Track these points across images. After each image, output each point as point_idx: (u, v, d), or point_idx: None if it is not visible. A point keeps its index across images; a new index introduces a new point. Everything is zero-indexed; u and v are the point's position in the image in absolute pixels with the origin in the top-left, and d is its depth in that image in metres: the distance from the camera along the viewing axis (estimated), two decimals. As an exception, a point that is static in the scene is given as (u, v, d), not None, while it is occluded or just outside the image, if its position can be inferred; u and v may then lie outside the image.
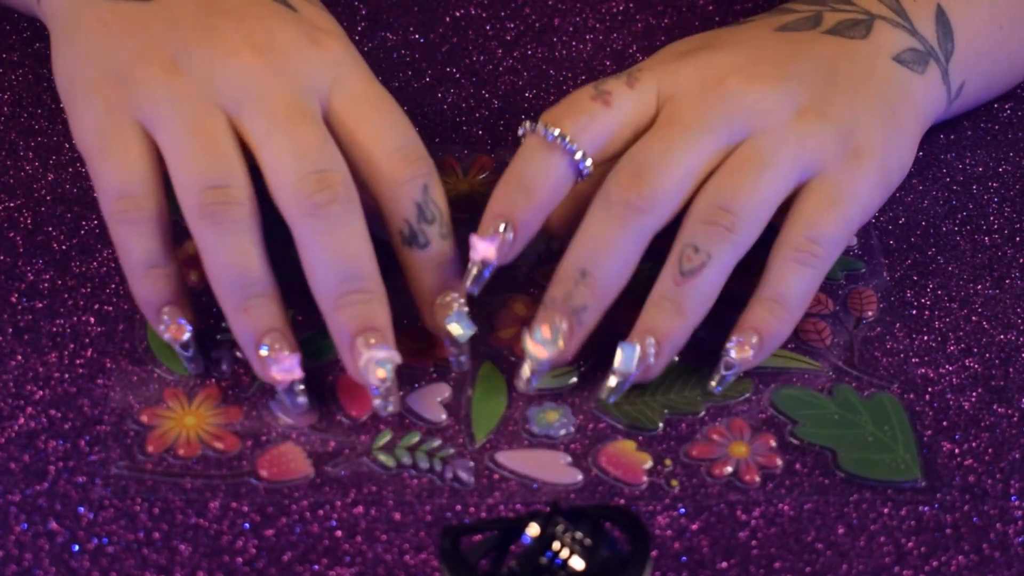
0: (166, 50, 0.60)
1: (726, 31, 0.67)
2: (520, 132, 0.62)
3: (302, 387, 0.60)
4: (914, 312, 0.66)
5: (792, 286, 0.60)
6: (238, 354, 0.63)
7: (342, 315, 0.58)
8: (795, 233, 0.61)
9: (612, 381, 0.60)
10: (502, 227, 0.60)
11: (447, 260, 0.61)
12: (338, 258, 0.58)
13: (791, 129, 0.61)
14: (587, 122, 0.61)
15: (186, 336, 0.60)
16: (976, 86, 0.71)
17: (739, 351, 0.60)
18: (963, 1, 0.69)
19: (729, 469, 0.60)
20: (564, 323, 0.59)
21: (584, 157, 0.60)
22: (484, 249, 0.60)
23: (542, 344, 0.59)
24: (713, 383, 0.62)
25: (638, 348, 0.59)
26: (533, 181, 0.60)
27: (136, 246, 0.59)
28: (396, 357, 0.58)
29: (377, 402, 0.60)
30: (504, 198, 0.61)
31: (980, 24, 0.69)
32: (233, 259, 0.58)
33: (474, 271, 0.61)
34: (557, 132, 0.60)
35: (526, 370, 0.60)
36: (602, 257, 0.59)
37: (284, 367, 0.59)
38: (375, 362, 0.58)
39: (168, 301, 0.60)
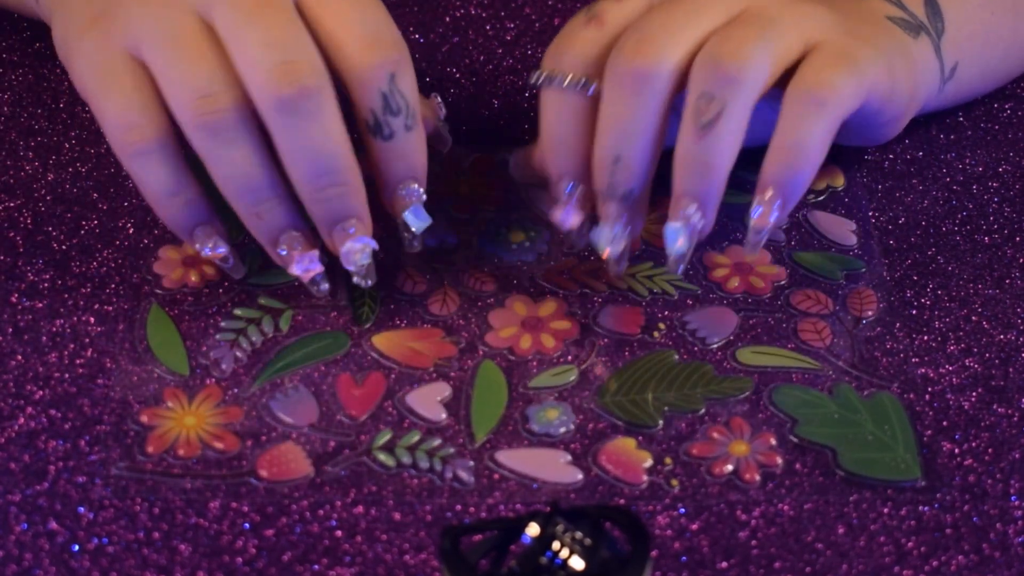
0: None
1: None
2: (531, 82, 0.62)
3: (323, 278, 0.63)
4: (914, 312, 0.66)
5: (807, 132, 0.59)
6: (238, 354, 0.63)
7: (319, 208, 0.59)
8: (806, 76, 0.59)
9: (672, 260, 0.61)
10: (569, 187, 0.62)
11: (411, 151, 0.61)
12: (311, 153, 0.58)
13: (791, 4, 0.61)
14: (585, 49, 0.61)
15: (222, 251, 0.62)
16: (971, 71, 0.71)
17: (762, 215, 0.60)
18: None
19: (729, 468, 0.60)
20: (617, 211, 0.61)
21: (586, 80, 0.61)
22: (566, 219, 0.62)
23: (605, 237, 0.61)
24: (747, 247, 0.61)
25: (680, 226, 0.60)
26: (567, 134, 0.61)
27: (150, 177, 0.60)
28: (372, 244, 0.61)
29: (356, 279, 0.62)
30: (555, 160, 0.62)
31: (971, 9, 0.70)
32: (235, 169, 0.59)
33: (571, 236, 0.64)
34: (567, 78, 0.61)
35: (611, 264, 0.62)
36: (628, 138, 0.59)
37: (303, 265, 0.62)
38: (356, 251, 0.60)
39: (196, 223, 0.61)
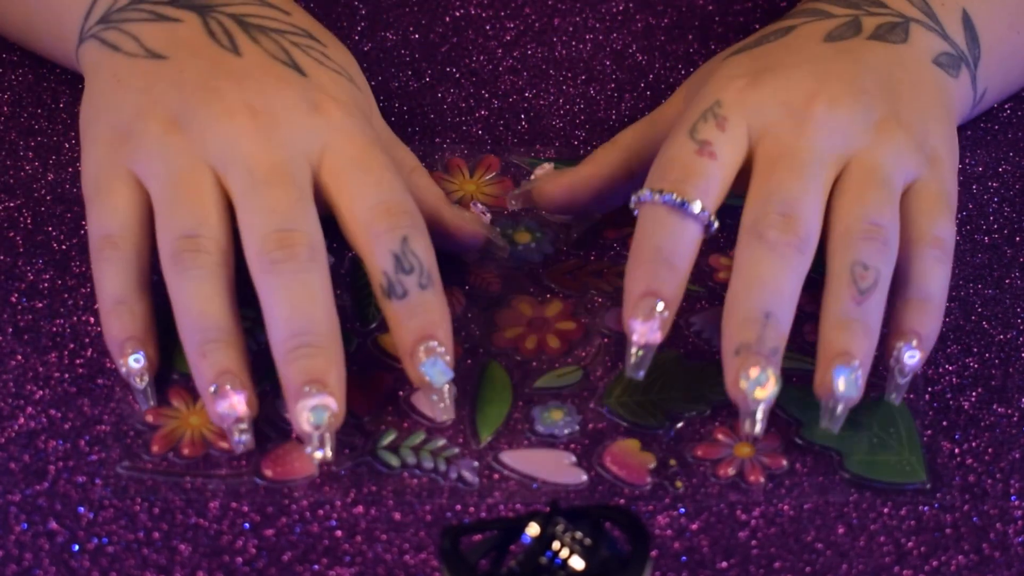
0: (168, 108, 0.62)
1: (777, 46, 0.67)
2: (633, 202, 0.61)
3: (244, 426, 0.59)
4: (914, 312, 0.66)
5: (938, 283, 0.61)
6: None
7: (290, 369, 0.58)
8: (924, 231, 0.62)
9: (837, 410, 0.59)
10: (660, 307, 0.59)
11: (426, 309, 0.59)
12: (290, 313, 0.58)
13: (883, 141, 0.62)
14: (704, 183, 0.61)
15: (139, 369, 0.60)
16: (994, 92, 0.71)
17: (911, 357, 0.60)
18: (985, 6, 0.69)
19: (733, 470, 0.60)
20: (768, 366, 0.58)
21: (712, 218, 0.61)
22: (646, 333, 0.59)
23: (754, 387, 0.58)
24: (893, 397, 0.62)
25: (850, 377, 0.59)
26: (673, 252, 0.60)
27: (108, 283, 0.61)
28: (332, 405, 0.58)
29: (307, 448, 0.58)
30: (649, 275, 0.60)
31: (1002, 29, 0.70)
32: (194, 304, 0.59)
33: (638, 354, 0.60)
34: (679, 199, 0.60)
35: (749, 423, 0.59)
36: (780, 298, 0.59)
37: (227, 403, 0.58)
38: (308, 409, 0.58)
39: (130, 336, 0.61)
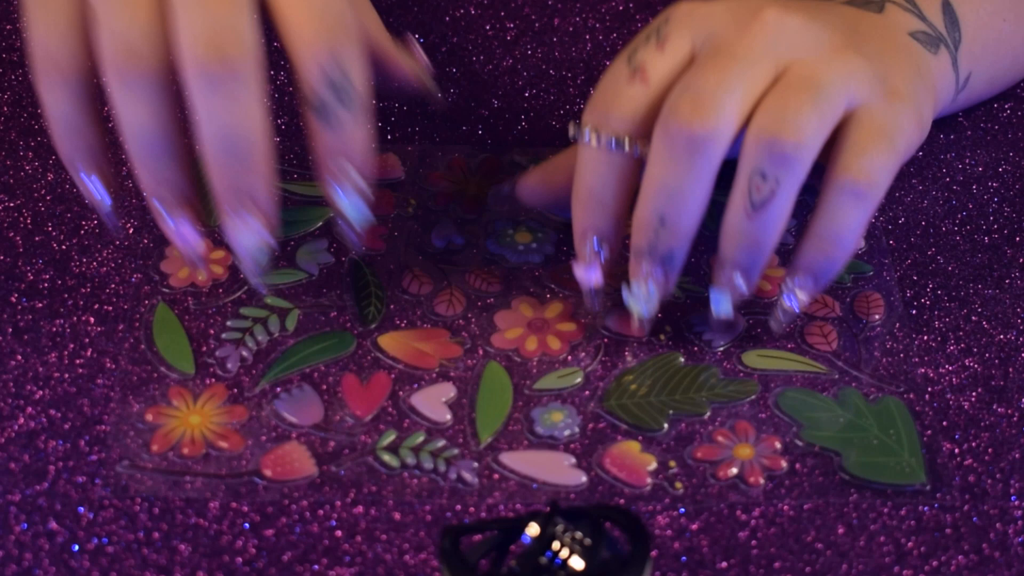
0: None
1: None
2: (571, 135, 0.61)
3: (198, 246, 0.61)
4: (914, 312, 0.66)
5: (847, 223, 0.59)
6: (243, 354, 0.63)
7: (221, 185, 0.57)
8: (849, 164, 0.59)
9: (715, 321, 0.62)
10: (595, 244, 0.61)
11: (351, 135, 0.58)
12: (224, 130, 0.57)
13: (834, 58, 0.60)
14: (632, 108, 0.60)
15: (95, 192, 0.60)
16: (981, 80, 0.71)
17: (799, 295, 0.61)
18: None
19: (734, 471, 0.60)
20: (658, 271, 0.60)
21: (639, 147, 0.60)
22: (589, 277, 0.62)
23: (641, 297, 0.61)
24: (773, 326, 0.63)
25: (725, 291, 0.60)
26: (604, 191, 0.60)
27: (55, 106, 0.59)
28: (268, 238, 0.59)
29: (246, 275, 0.60)
30: (583, 215, 0.61)
31: (985, 16, 0.69)
32: (137, 122, 0.58)
33: (590, 296, 0.63)
34: (608, 137, 0.60)
35: (635, 321, 0.62)
36: (676, 200, 0.58)
37: (175, 226, 0.60)
38: (243, 238, 0.58)
39: (82, 159, 0.60)
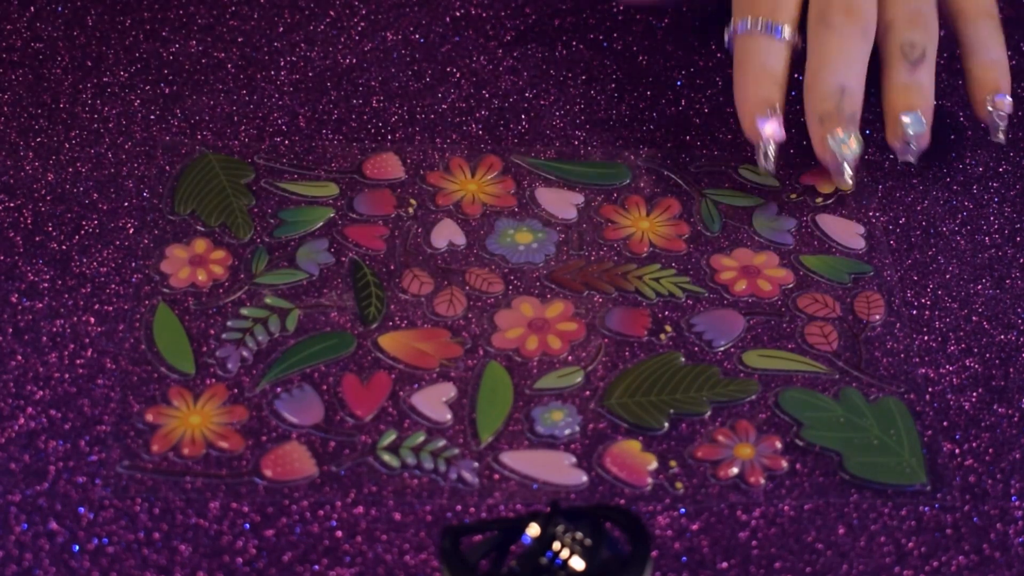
0: None
1: None
2: (727, 35, 0.71)
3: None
4: (914, 312, 0.66)
5: (1000, 48, 0.73)
6: (244, 354, 0.63)
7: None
8: (976, 2, 0.73)
9: (909, 151, 0.70)
10: (772, 109, 0.69)
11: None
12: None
13: None
14: (784, 6, 0.71)
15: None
16: None
17: (1003, 98, 0.71)
18: None
19: (734, 471, 0.60)
20: (849, 127, 0.69)
21: (792, 34, 0.70)
22: (772, 129, 0.69)
23: (840, 145, 0.69)
24: (1000, 136, 0.71)
25: (915, 114, 0.70)
26: (774, 69, 0.70)
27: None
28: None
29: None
30: (758, 87, 0.70)
31: None
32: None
33: (768, 149, 0.69)
34: (769, 23, 0.70)
35: (846, 179, 0.70)
36: (852, 73, 0.69)
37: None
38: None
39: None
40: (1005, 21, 0.79)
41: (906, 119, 0.69)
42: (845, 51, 0.69)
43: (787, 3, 0.71)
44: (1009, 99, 0.71)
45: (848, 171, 0.68)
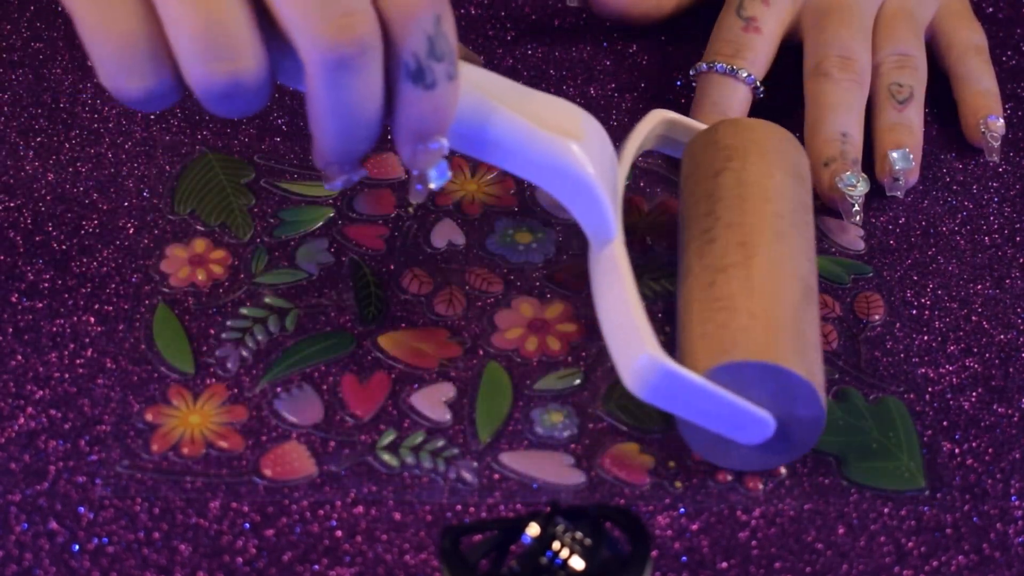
0: None
1: None
2: (692, 72, 0.73)
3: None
4: (914, 312, 0.66)
5: (989, 78, 0.75)
6: (243, 353, 0.63)
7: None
8: (964, 40, 0.76)
9: (895, 187, 0.71)
10: None
11: (448, 103, 0.56)
12: (350, 117, 0.56)
13: None
14: (751, 55, 0.73)
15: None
16: None
17: (996, 120, 0.73)
18: None
19: (731, 475, 0.60)
20: (855, 171, 0.70)
21: (759, 84, 0.73)
22: None
23: (847, 186, 0.69)
24: (994, 158, 0.73)
25: (903, 151, 0.71)
26: (728, 107, 0.72)
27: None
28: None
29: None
30: (706, 123, 0.69)
31: None
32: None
33: None
34: (729, 67, 0.72)
35: (857, 219, 0.70)
36: (852, 118, 0.71)
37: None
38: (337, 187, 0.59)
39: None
40: (1005, 21, 0.79)
41: (894, 155, 0.70)
42: (844, 100, 0.71)
43: (752, 53, 0.73)
44: (1001, 121, 0.73)
45: (858, 210, 0.69)
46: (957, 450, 0.61)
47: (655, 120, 0.67)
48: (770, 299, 0.58)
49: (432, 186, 0.58)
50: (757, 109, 0.72)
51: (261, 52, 0.54)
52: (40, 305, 0.65)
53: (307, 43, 0.54)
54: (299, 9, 0.53)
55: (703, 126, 0.68)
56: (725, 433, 0.58)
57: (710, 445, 0.59)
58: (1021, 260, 0.69)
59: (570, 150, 0.58)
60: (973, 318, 0.66)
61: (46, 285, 0.65)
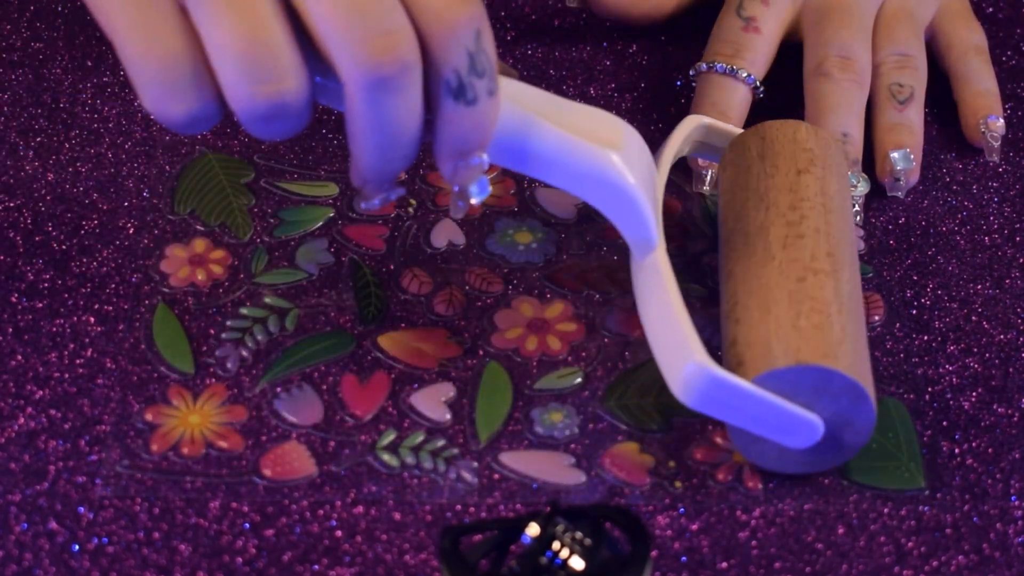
0: None
1: None
2: (692, 73, 0.73)
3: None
4: (914, 312, 0.66)
5: (989, 78, 0.75)
6: (243, 353, 0.63)
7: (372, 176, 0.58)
8: (964, 40, 0.75)
9: (895, 187, 0.71)
10: None
11: (489, 120, 0.56)
12: (390, 136, 0.55)
13: None
14: (751, 55, 0.73)
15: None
16: None
17: (996, 120, 0.73)
18: None
19: (731, 475, 0.60)
20: (856, 172, 0.70)
21: (759, 84, 0.72)
22: (706, 161, 0.70)
23: (854, 187, 0.69)
24: (994, 157, 0.73)
25: (903, 151, 0.71)
26: (727, 106, 0.71)
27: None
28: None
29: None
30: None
31: None
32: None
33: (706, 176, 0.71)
34: (728, 67, 0.72)
35: (858, 220, 0.70)
36: (852, 119, 0.71)
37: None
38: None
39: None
40: (1005, 21, 0.79)
41: (895, 155, 0.71)
42: (844, 101, 0.71)
43: (752, 53, 0.73)
44: (1001, 121, 0.73)
45: (858, 210, 0.69)
46: (957, 450, 0.61)
47: (691, 126, 0.67)
48: (855, 321, 0.59)
49: (474, 201, 0.58)
50: (757, 109, 0.72)
51: (303, 73, 0.54)
52: (40, 305, 0.65)
53: (347, 63, 0.54)
54: (339, 29, 0.53)
55: (738, 130, 0.68)
56: (773, 437, 0.58)
57: (759, 450, 0.59)
58: (1021, 260, 0.69)
59: (611, 160, 0.58)
60: (973, 318, 0.66)
61: (46, 285, 0.65)
